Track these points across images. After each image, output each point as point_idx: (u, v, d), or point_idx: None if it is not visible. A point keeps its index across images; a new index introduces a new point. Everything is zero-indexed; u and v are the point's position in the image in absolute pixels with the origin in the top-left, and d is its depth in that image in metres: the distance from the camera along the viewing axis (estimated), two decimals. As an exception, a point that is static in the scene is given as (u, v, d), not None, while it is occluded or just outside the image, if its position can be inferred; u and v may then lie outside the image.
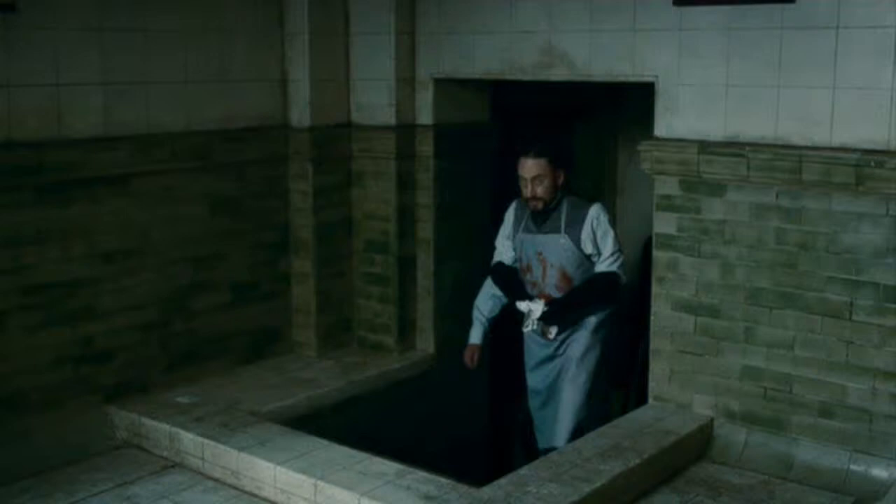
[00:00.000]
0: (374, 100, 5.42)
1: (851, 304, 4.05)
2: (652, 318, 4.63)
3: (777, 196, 4.18)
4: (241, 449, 4.23)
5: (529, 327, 4.76)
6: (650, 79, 4.54)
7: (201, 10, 4.94)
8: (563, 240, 4.65)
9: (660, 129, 4.53)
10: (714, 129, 4.37)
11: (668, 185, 4.50)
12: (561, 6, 4.78)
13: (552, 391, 4.89)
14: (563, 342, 4.82)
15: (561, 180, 4.67)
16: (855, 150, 3.97)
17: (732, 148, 4.26)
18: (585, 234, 4.62)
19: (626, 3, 4.55)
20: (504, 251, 4.97)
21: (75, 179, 4.49)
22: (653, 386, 4.69)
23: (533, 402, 5.04)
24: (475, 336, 5.14)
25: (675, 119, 4.48)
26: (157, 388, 4.93)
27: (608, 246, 4.64)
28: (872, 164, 3.87)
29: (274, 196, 5.42)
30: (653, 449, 4.18)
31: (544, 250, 4.71)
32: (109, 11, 4.56)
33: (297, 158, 5.40)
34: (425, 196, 5.54)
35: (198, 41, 4.92)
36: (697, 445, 4.42)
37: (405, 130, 5.42)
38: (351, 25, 5.46)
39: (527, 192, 4.64)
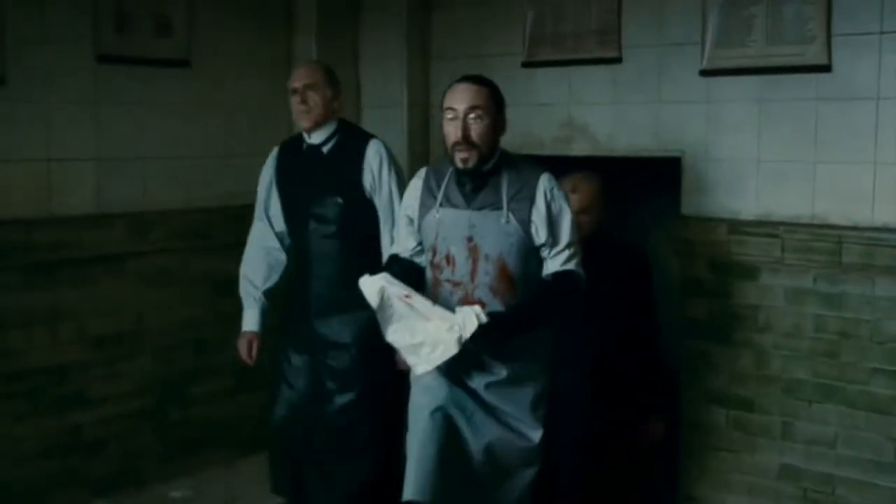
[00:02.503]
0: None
1: (899, 398, 3.76)
2: (682, 410, 4.30)
3: (815, 280, 3.91)
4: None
5: (444, 354, 2.97)
6: (676, 154, 4.30)
7: (203, 82, 4.74)
8: (504, 219, 3.19)
9: (687, 207, 4.27)
10: (745, 207, 4.11)
11: (696, 267, 4.23)
12: (582, 77, 4.56)
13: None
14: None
15: (501, 134, 3.28)
16: (899, 231, 3.71)
17: (765, 227, 4.01)
18: (537, 214, 3.18)
19: (650, 74, 4.33)
20: (402, 240, 3.44)
21: (65, 259, 4.26)
22: (682, 485, 4.34)
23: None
24: (250, 320, 3.98)
25: (703, 196, 4.22)
26: (152, 480, 4.64)
27: (564, 233, 3.21)
28: (919, 245, 3.61)
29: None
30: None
31: (476, 234, 3.20)
32: (104, 83, 4.38)
33: (305, 238, 5.15)
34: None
35: (198, 115, 4.73)
36: (731, 552, 4.07)
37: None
38: (363, 98, 5.26)
39: (455, 133, 3.14)
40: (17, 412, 4.18)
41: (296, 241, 3.96)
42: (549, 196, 3.20)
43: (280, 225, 4.01)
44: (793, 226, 3.95)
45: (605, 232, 3.87)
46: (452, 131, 3.15)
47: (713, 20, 4.09)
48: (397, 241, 3.50)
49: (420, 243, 3.35)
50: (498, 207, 3.19)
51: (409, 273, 3.30)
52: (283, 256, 4.02)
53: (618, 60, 4.43)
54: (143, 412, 4.64)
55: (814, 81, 3.88)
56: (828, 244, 3.85)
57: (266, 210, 4.04)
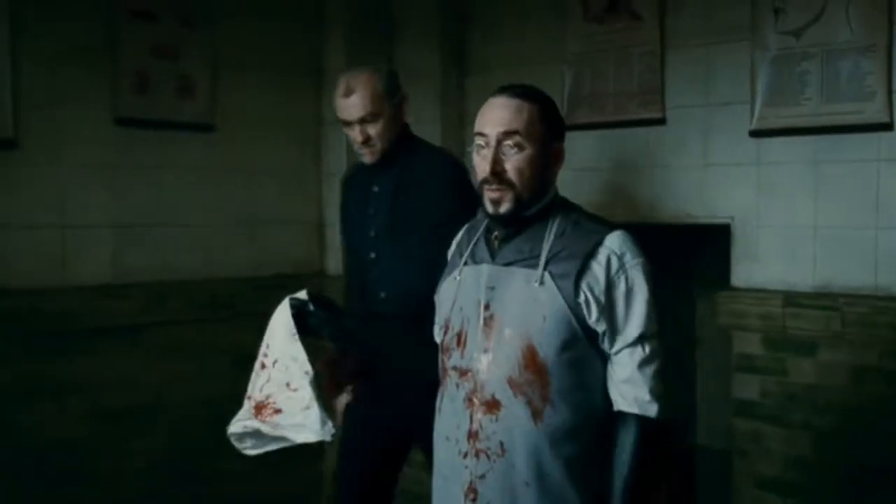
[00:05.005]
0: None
1: (978, 489, 3.39)
2: (732, 497, 3.96)
3: (880, 357, 3.59)
4: None
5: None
6: (725, 220, 4.02)
7: (227, 146, 4.57)
8: (537, 280, 2.30)
9: (737, 278, 3.99)
10: (801, 277, 3.81)
11: (748, 343, 3.92)
12: (623, 139, 4.32)
13: None
14: None
15: (555, 169, 2.45)
16: (974, 303, 3.39)
17: (824, 300, 3.70)
18: (590, 283, 2.28)
19: (695, 135, 4.08)
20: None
21: (77, 330, 4.07)
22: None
23: None
24: None
25: (754, 266, 3.94)
26: (166, 566, 4.37)
27: (635, 320, 2.31)
28: None
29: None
30: None
31: (495, 299, 2.35)
32: (123, 147, 4.23)
33: (334, 309, 4.94)
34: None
35: (222, 180, 4.55)
36: None
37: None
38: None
39: (484, 166, 2.34)
40: (18, 490, 3.94)
41: None
42: (615, 262, 2.30)
43: None
44: (854, 298, 3.65)
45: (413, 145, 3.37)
46: (481, 163, 2.34)
47: (763, 77, 3.84)
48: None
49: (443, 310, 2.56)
50: (531, 264, 2.32)
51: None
52: None
53: (661, 122, 4.19)
54: (157, 492, 4.39)
55: (874, 141, 3.60)
56: (893, 318, 3.54)
57: None
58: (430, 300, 2.68)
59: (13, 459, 3.94)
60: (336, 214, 4.86)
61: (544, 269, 2.29)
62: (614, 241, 2.32)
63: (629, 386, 2.29)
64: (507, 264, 2.35)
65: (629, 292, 2.30)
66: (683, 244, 4.72)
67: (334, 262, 4.92)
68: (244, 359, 4.54)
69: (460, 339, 2.40)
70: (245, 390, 4.41)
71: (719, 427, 5.17)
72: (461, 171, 3.30)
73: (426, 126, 4.89)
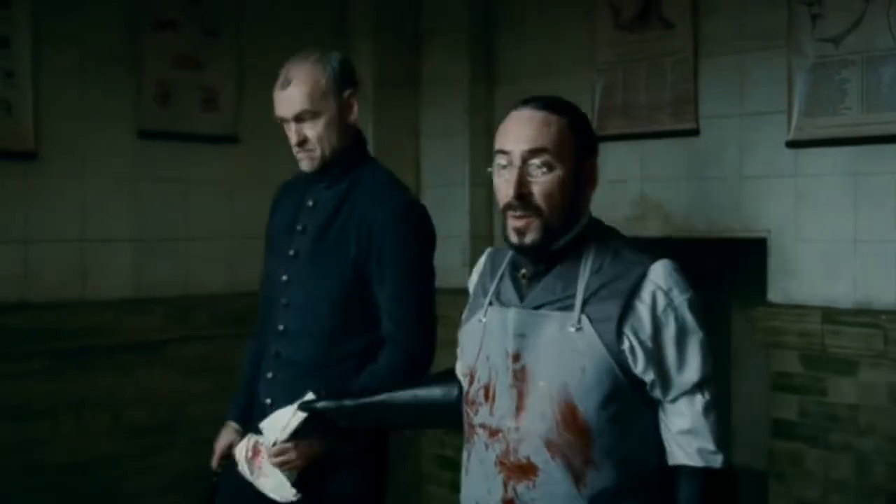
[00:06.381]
0: (446, 260, 4.85)
1: None
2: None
3: None
4: None
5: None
6: (762, 234, 3.91)
7: (251, 158, 4.50)
8: (574, 325, 2.00)
9: (774, 294, 3.86)
10: (841, 293, 3.68)
11: (786, 361, 3.80)
12: (656, 151, 4.22)
13: None
14: None
15: (588, 192, 2.14)
16: None
17: (865, 317, 3.58)
18: (634, 326, 1.99)
19: (730, 146, 3.97)
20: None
21: (99, 346, 4.01)
22: None
23: None
24: None
25: (792, 281, 3.81)
26: (188, 585, 4.30)
27: (691, 365, 2.03)
28: None
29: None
30: None
31: (526, 349, 2.05)
32: (144, 158, 4.17)
33: (360, 323, 4.85)
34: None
35: (246, 193, 4.47)
36: None
37: (481, 294, 4.82)
38: (422, 177, 4.99)
39: (507, 189, 2.03)
40: (41, 507, 3.91)
41: None
42: (661, 300, 2.00)
43: None
44: None
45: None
46: (503, 186, 2.04)
47: (801, 86, 3.72)
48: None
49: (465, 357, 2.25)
50: (566, 306, 2.02)
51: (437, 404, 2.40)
52: None
53: (695, 132, 4.09)
54: (179, 509, 4.33)
55: (917, 152, 3.49)
56: None
57: None
58: (333, 346, 2.67)
59: (34, 475, 3.88)
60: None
61: (581, 311, 1.99)
62: (659, 275, 2.01)
63: (690, 437, 2.02)
64: (538, 307, 2.05)
65: (680, 334, 2.01)
66: (719, 258, 4.60)
67: (361, 276, 4.84)
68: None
69: (488, 394, 2.09)
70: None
71: (756, 447, 5.04)
72: (425, 216, 2.80)
73: (455, 139, 4.83)
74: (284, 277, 2.80)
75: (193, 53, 4.28)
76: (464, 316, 2.27)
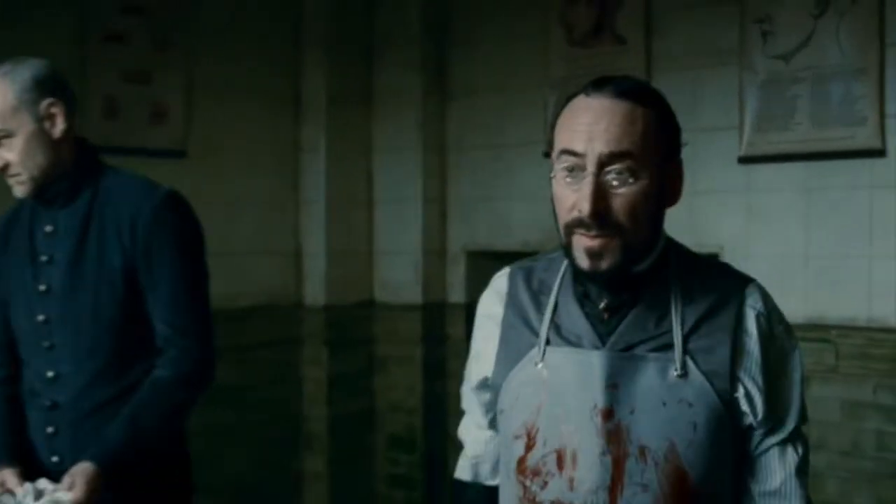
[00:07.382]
0: (398, 275, 4.86)
1: (979, 530, 3.30)
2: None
3: (875, 391, 3.53)
4: None
5: None
6: (714, 250, 3.94)
7: (201, 174, 4.43)
8: (677, 369, 1.60)
9: (727, 309, 3.88)
10: (792, 308, 3.64)
11: (738, 376, 3.81)
12: (607, 167, 4.22)
13: None
14: None
15: (670, 205, 1.72)
16: (972, 334, 3.32)
17: (816, 332, 3.64)
18: (748, 365, 1.64)
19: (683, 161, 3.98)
20: (474, 433, 1.94)
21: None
22: None
23: None
24: None
25: (744, 297, 3.83)
26: None
27: (793, 402, 1.68)
28: None
29: (283, 384, 4.81)
30: None
31: (620, 402, 1.61)
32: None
33: (312, 341, 4.83)
34: (457, 385, 4.89)
35: (195, 208, 4.40)
36: None
37: (434, 310, 4.83)
38: (374, 192, 4.96)
39: (579, 202, 1.60)
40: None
41: None
42: (764, 326, 1.66)
43: None
44: (847, 329, 3.60)
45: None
46: (571, 198, 1.60)
47: (752, 102, 3.77)
48: (464, 439, 1.99)
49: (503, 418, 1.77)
50: (662, 345, 1.63)
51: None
52: None
53: (647, 148, 4.10)
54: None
55: (867, 167, 3.55)
56: (888, 350, 3.49)
57: None
58: (118, 380, 2.39)
59: None
60: (317, 243, 4.77)
61: (684, 352, 1.61)
62: (756, 299, 1.68)
63: (778, 500, 1.66)
64: (627, 348, 1.63)
65: (783, 367, 1.67)
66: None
67: (312, 292, 4.81)
68: (217, 392, 4.41)
69: (563, 462, 1.63)
70: (219, 422, 4.29)
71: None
72: (190, 208, 2.58)
73: (407, 154, 4.81)
74: (41, 317, 2.43)
75: (142, 67, 4.22)
76: (480, 348, 1.85)
